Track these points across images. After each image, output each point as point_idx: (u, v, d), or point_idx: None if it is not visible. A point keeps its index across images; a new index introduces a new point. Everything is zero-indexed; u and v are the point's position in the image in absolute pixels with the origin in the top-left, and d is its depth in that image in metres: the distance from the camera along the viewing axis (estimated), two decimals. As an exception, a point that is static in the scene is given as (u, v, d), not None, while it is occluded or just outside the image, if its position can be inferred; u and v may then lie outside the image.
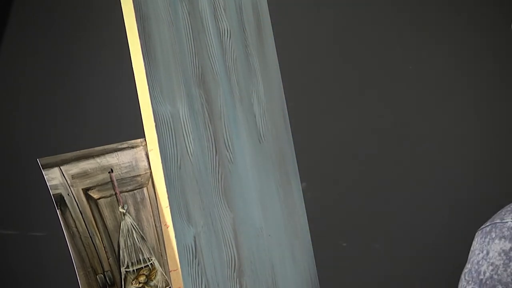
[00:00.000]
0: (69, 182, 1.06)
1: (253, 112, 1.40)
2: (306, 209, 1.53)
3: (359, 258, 2.20)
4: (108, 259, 1.08)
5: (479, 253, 0.82)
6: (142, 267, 1.11)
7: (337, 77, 2.19)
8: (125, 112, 1.90)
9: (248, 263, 1.30)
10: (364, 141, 2.17)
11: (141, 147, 1.15)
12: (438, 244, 2.15)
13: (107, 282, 1.08)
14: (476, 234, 0.85)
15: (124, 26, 1.14)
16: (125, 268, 1.10)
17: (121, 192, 1.12)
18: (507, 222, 0.83)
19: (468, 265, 0.84)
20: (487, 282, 0.80)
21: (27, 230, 2.38)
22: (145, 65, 1.13)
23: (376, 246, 2.19)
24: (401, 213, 2.17)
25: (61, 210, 1.05)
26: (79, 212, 1.06)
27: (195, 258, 1.17)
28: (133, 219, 1.12)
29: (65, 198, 1.05)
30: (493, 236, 0.83)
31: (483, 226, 0.85)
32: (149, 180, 1.14)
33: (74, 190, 1.07)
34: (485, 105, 2.09)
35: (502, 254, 0.81)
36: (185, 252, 1.15)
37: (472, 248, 0.85)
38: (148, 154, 1.14)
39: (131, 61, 1.14)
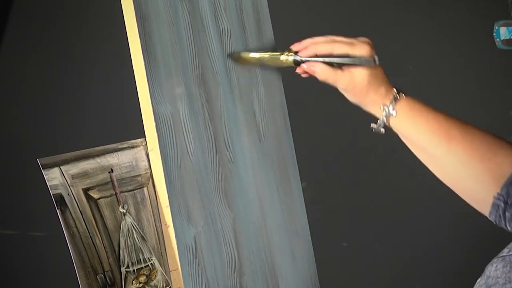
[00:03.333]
0: (69, 182, 1.06)
1: (253, 111, 1.40)
2: (306, 209, 1.53)
3: (359, 258, 2.20)
4: (108, 259, 1.08)
5: (505, 283, 0.78)
6: (142, 267, 1.11)
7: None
8: (125, 112, 1.90)
9: (248, 263, 1.30)
10: (364, 141, 2.16)
11: (141, 147, 1.15)
12: (438, 244, 2.15)
13: (107, 282, 1.08)
14: (495, 261, 0.81)
15: (124, 26, 1.14)
16: (125, 268, 1.10)
17: (121, 192, 1.12)
18: None
19: None
20: None
21: (27, 230, 2.38)
22: (145, 65, 1.13)
23: (376, 246, 2.19)
24: (401, 213, 2.17)
25: (61, 210, 1.05)
26: (79, 212, 1.06)
27: (195, 258, 1.17)
28: (133, 219, 1.12)
29: (65, 198, 1.05)
30: None
31: (505, 254, 0.81)
32: (149, 180, 1.14)
33: (74, 190, 1.07)
34: (487, 105, 2.09)
35: None
36: (185, 252, 1.15)
37: (489, 274, 0.80)
38: (148, 154, 1.14)
39: (131, 61, 1.14)
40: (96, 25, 2.32)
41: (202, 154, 1.24)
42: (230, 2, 1.38)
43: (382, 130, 1.20)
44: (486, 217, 1.10)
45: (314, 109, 2.18)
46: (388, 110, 1.18)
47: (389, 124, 1.19)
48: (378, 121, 1.19)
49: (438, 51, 2.10)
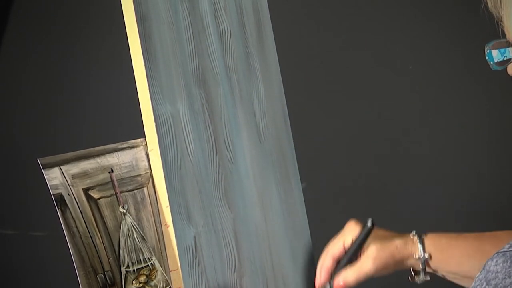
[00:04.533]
0: (69, 182, 1.06)
1: (253, 112, 1.40)
2: (306, 209, 1.53)
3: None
4: (108, 259, 1.08)
5: (505, 278, 0.79)
6: (142, 267, 1.11)
7: (337, 77, 2.19)
8: (125, 112, 1.90)
9: (248, 263, 1.30)
10: (365, 141, 2.17)
11: (141, 147, 1.15)
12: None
13: (108, 282, 1.08)
14: (496, 255, 0.81)
15: (124, 26, 1.14)
16: (125, 268, 1.10)
17: (121, 192, 1.12)
18: None
19: (487, 287, 0.81)
20: None
21: (27, 230, 2.38)
22: (145, 65, 1.13)
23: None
24: (401, 213, 2.17)
25: (61, 210, 1.05)
26: (79, 212, 1.06)
27: (195, 258, 1.17)
28: (134, 219, 1.12)
29: (65, 198, 1.05)
30: None
31: (505, 250, 0.81)
32: (149, 180, 1.14)
33: (74, 190, 1.07)
34: (487, 105, 2.09)
35: None
36: (185, 252, 1.15)
37: (489, 269, 0.80)
38: (149, 154, 1.14)
39: (131, 61, 1.14)
40: (96, 25, 2.32)
41: (202, 155, 1.24)
42: (230, 2, 1.38)
43: (426, 277, 1.21)
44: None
45: (314, 109, 2.18)
46: (420, 252, 1.19)
47: (429, 266, 1.19)
48: (418, 269, 1.20)
49: (438, 51, 2.10)
